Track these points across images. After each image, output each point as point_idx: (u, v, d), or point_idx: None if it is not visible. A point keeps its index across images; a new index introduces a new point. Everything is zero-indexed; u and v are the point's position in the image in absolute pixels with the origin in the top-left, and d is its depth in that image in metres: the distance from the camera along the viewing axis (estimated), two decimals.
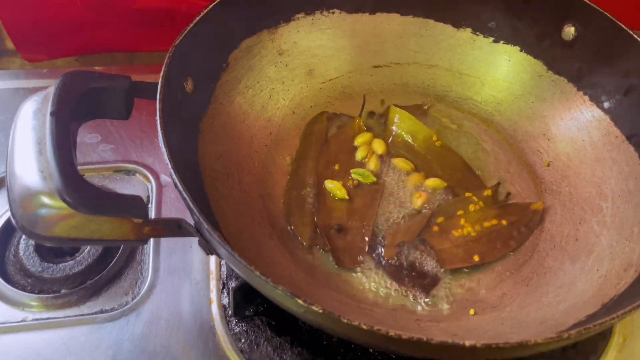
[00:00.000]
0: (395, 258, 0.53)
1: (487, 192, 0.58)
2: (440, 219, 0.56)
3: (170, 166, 0.42)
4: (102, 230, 0.40)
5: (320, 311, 0.35)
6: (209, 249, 0.42)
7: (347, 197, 0.57)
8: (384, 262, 0.53)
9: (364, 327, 0.35)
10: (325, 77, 0.66)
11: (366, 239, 0.54)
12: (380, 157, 0.61)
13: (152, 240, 0.57)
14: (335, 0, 0.65)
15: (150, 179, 0.62)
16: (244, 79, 0.60)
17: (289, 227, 0.54)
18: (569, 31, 0.60)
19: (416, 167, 0.60)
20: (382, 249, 0.53)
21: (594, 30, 0.58)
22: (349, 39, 0.67)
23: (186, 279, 0.54)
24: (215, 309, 0.52)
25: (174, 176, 0.41)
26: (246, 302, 0.51)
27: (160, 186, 0.61)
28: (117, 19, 0.72)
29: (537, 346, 0.35)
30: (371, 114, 0.65)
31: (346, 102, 0.66)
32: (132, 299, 0.53)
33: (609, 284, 0.47)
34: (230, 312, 0.52)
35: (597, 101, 0.59)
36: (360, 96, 0.67)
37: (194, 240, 0.57)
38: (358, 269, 0.52)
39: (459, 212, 0.57)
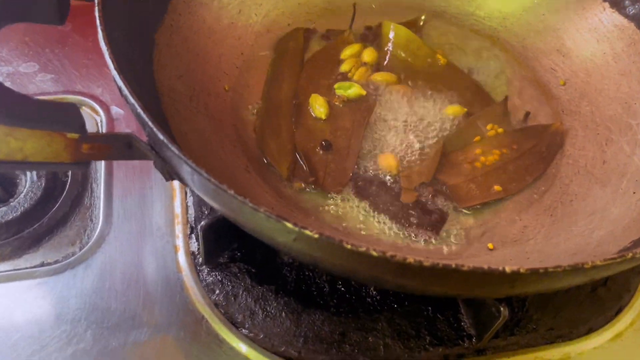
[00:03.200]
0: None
1: (498, 111, 0.49)
2: (452, 150, 0.47)
3: (112, 66, 0.32)
4: (26, 149, 0.31)
5: (317, 236, 0.27)
6: (167, 172, 0.33)
7: (326, 114, 0.48)
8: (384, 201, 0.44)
9: (374, 253, 0.27)
10: None
11: (353, 160, 0.45)
12: (374, 68, 0.52)
13: (102, 179, 0.47)
14: None
15: (99, 111, 0.52)
16: None
17: (264, 159, 0.45)
18: None
19: (418, 89, 0.51)
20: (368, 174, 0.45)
21: None
22: None
23: (146, 225, 0.45)
24: (182, 257, 0.43)
25: (117, 77, 0.31)
26: (219, 246, 0.42)
27: (111, 120, 0.52)
28: None
29: (595, 270, 0.28)
30: (368, 29, 0.56)
31: (329, 20, 0.57)
32: (80, 249, 0.44)
33: None
34: (200, 260, 0.43)
35: (619, 7, 0.51)
36: (345, 13, 0.57)
37: (155, 180, 0.48)
38: (355, 206, 0.44)
39: (476, 138, 0.48)
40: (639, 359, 0.42)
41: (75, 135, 0.31)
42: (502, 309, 0.36)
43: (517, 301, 0.43)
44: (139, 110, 0.30)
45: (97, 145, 0.32)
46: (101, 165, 0.48)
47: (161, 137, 0.30)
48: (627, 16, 0.51)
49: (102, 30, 0.34)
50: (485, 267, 0.26)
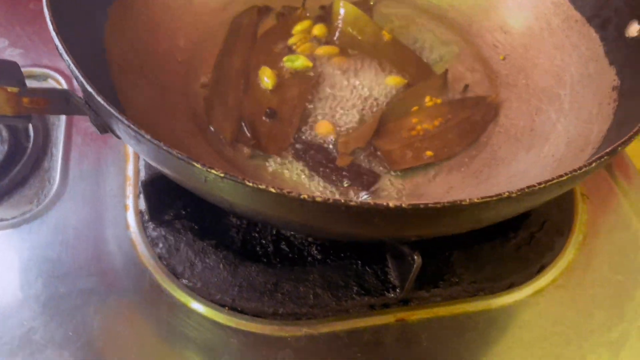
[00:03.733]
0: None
1: (437, 83, 0.52)
2: (391, 119, 0.50)
3: (50, 25, 0.35)
4: None
5: (222, 175, 0.30)
6: (101, 125, 0.36)
7: (273, 85, 0.51)
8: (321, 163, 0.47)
9: (273, 190, 0.29)
10: None
11: (294, 126, 0.48)
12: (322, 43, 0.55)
13: (61, 144, 0.50)
14: None
15: (62, 83, 0.55)
16: None
17: (209, 126, 0.48)
18: None
19: (362, 62, 0.54)
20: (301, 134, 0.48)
21: None
22: None
23: (99, 186, 0.48)
24: (131, 215, 0.47)
25: (53, 34, 0.34)
26: (164, 203, 0.45)
27: (73, 91, 0.55)
28: None
29: (473, 208, 0.30)
30: (322, 8, 0.59)
31: None
32: (37, 207, 0.47)
33: (565, 165, 0.42)
34: (147, 217, 0.46)
35: None
36: None
37: (111, 145, 0.51)
38: (293, 168, 0.47)
39: (414, 108, 0.51)
40: (557, 313, 0.44)
41: (15, 89, 0.34)
42: (415, 257, 0.39)
43: (443, 258, 0.45)
44: (71, 64, 0.33)
45: (36, 100, 0.35)
46: (61, 132, 0.51)
47: (89, 88, 0.33)
48: None
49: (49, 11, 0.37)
50: (372, 202, 0.29)
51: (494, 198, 0.30)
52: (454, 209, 0.30)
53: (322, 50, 0.53)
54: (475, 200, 0.30)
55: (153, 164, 0.35)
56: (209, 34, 0.55)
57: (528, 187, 0.30)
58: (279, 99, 0.51)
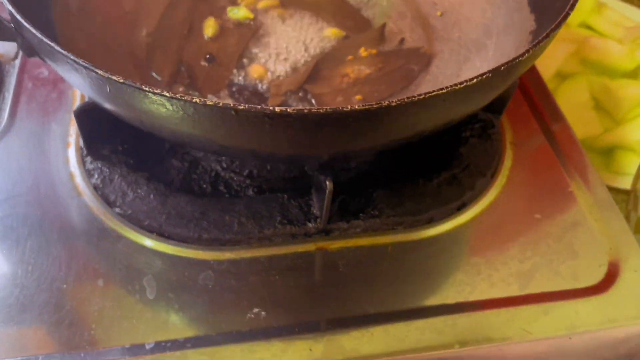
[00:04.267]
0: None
1: (374, 35, 0.54)
2: (325, 66, 0.53)
3: None
4: None
5: (121, 81, 0.32)
6: (28, 48, 0.39)
7: (214, 33, 0.53)
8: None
9: (167, 94, 0.32)
10: None
11: (230, 69, 0.51)
12: None
13: (12, 87, 0.53)
14: None
15: None
16: None
17: (149, 71, 0.51)
18: None
19: (302, 15, 0.56)
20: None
21: None
22: None
23: (45, 125, 0.51)
24: (72, 151, 0.49)
25: None
26: (101, 138, 0.48)
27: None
28: None
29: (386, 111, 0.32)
30: None
31: None
32: None
33: None
34: (85, 152, 0.48)
35: None
36: None
37: (61, 88, 0.54)
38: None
39: (349, 58, 0.54)
40: (473, 247, 0.46)
41: None
42: (327, 182, 0.41)
43: (365, 194, 0.47)
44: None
45: None
46: (13, 77, 0.54)
47: (19, 17, 0.35)
48: None
49: None
50: (258, 106, 0.32)
51: (374, 106, 0.32)
52: (337, 116, 0.32)
53: (263, 3, 0.56)
54: (357, 108, 0.32)
55: (71, 82, 0.38)
56: None
57: (407, 97, 0.33)
58: (219, 46, 0.53)
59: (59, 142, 0.50)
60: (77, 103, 0.52)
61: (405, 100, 0.33)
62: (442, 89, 0.33)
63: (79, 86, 0.37)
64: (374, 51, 0.54)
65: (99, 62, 0.47)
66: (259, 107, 0.31)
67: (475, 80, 0.34)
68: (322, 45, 0.54)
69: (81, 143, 0.49)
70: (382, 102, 0.32)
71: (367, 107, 0.32)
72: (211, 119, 0.33)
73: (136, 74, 0.50)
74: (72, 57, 0.33)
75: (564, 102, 0.65)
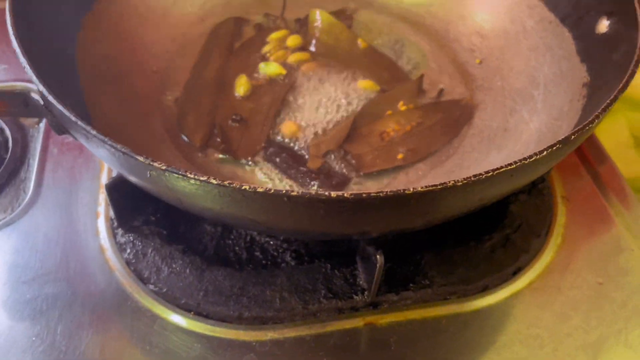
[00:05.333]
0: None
1: (412, 88, 0.52)
2: (364, 123, 0.50)
3: (10, 30, 0.36)
4: None
5: (163, 168, 0.30)
6: (58, 126, 0.37)
7: (247, 92, 0.51)
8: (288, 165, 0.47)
9: (214, 181, 0.29)
10: None
11: (266, 130, 0.48)
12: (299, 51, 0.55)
13: (38, 155, 0.51)
14: None
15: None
16: None
17: (181, 134, 0.48)
18: None
19: (335, 68, 0.54)
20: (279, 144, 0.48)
21: None
22: None
23: (72, 194, 0.48)
24: (101, 221, 0.47)
25: (13, 39, 0.35)
26: (132, 209, 0.45)
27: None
28: None
29: (453, 192, 0.30)
30: (297, 21, 0.59)
31: (263, 10, 0.60)
32: (10, 215, 0.47)
33: None
34: (116, 224, 0.46)
35: None
36: (278, 3, 0.61)
37: (87, 154, 0.52)
38: (264, 172, 0.47)
39: (387, 113, 0.51)
40: (533, 316, 0.43)
41: None
42: (378, 256, 0.38)
43: (413, 261, 0.44)
44: (26, 65, 0.34)
45: None
46: (38, 143, 0.52)
47: (51, 98, 0.33)
48: None
49: (9, 3, 0.38)
50: (313, 192, 0.29)
51: (438, 187, 0.29)
52: (398, 199, 0.29)
53: (294, 56, 0.54)
54: (420, 190, 0.29)
55: (106, 163, 0.35)
56: (186, 45, 0.56)
57: (474, 175, 0.30)
58: (252, 105, 0.51)
59: (87, 212, 0.47)
60: (105, 169, 0.50)
61: (472, 179, 0.30)
62: (510, 164, 0.31)
63: (116, 168, 0.35)
64: (412, 105, 0.51)
65: (129, 127, 0.46)
66: (313, 193, 0.29)
67: (545, 152, 0.31)
68: (358, 100, 0.52)
69: (111, 214, 0.47)
70: (447, 182, 0.29)
71: (430, 188, 0.29)
72: (261, 204, 0.30)
73: (168, 138, 0.48)
74: (109, 142, 0.31)
75: (603, 141, 0.62)
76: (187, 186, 0.30)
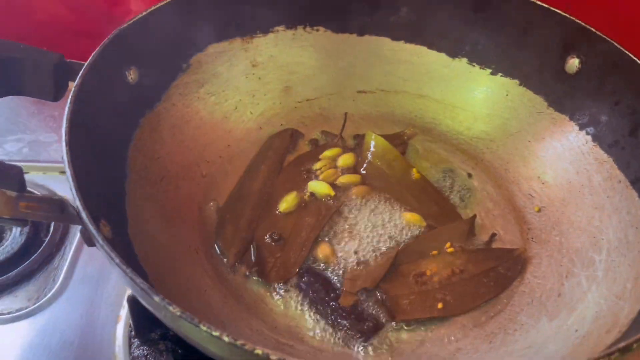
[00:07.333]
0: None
1: (462, 228, 0.49)
2: (405, 261, 0.47)
3: (64, 136, 0.36)
4: None
5: (178, 313, 0.28)
6: (89, 239, 0.36)
7: (290, 209, 0.50)
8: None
9: (226, 339, 0.27)
10: (303, 96, 0.61)
11: (303, 255, 0.46)
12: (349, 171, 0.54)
13: (75, 244, 0.51)
14: (321, 16, 0.60)
15: None
16: (207, 85, 0.56)
17: (215, 243, 0.47)
18: (573, 63, 0.53)
19: (384, 196, 0.52)
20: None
21: (600, 62, 0.51)
22: (333, 60, 0.61)
23: (98, 292, 0.48)
24: (120, 326, 0.45)
25: (64, 141, 0.36)
26: (152, 322, 0.43)
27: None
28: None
29: None
30: (356, 137, 0.59)
31: (322, 125, 0.60)
32: (32, 306, 0.46)
33: (586, 346, 0.37)
34: (133, 333, 0.44)
35: (600, 141, 0.51)
36: (339, 120, 0.60)
37: None
38: (292, 301, 0.44)
39: (433, 253, 0.48)
40: None
41: (13, 193, 0.35)
42: None
43: None
44: (71, 179, 0.34)
45: (32, 205, 0.35)
46: (77, 234, 0.52)
47: (80, 204, 0.33)
48: (606, 150, 0.50)
49: (70, 109, 0.39)
50: None
51: None
52: None
53: (344, 178, 0.52)
54: None
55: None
56: (239, 151, 0.56)
57: None
58: (294, 224, 0.49)
59: (109, 314, 0.46)
60: None
61: None
62: None
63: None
64: (460, 248, 0.48)
65: (165, 234, 0.45)
66: None
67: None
68: (402, 234, 0.49)
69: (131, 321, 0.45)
70: None
71: None
72: None
73: (202, 249, 0.47)
74: (146, 287, 0.29)
75: None
76: (200, 336, 0.28)
